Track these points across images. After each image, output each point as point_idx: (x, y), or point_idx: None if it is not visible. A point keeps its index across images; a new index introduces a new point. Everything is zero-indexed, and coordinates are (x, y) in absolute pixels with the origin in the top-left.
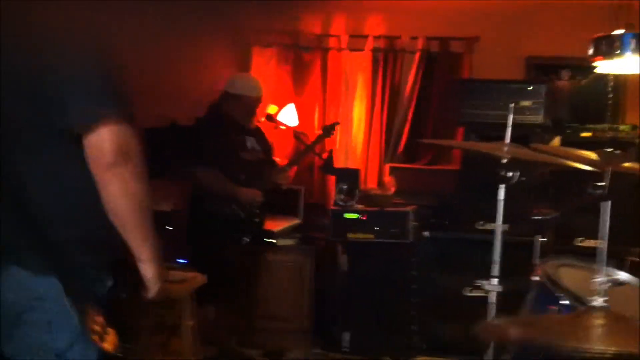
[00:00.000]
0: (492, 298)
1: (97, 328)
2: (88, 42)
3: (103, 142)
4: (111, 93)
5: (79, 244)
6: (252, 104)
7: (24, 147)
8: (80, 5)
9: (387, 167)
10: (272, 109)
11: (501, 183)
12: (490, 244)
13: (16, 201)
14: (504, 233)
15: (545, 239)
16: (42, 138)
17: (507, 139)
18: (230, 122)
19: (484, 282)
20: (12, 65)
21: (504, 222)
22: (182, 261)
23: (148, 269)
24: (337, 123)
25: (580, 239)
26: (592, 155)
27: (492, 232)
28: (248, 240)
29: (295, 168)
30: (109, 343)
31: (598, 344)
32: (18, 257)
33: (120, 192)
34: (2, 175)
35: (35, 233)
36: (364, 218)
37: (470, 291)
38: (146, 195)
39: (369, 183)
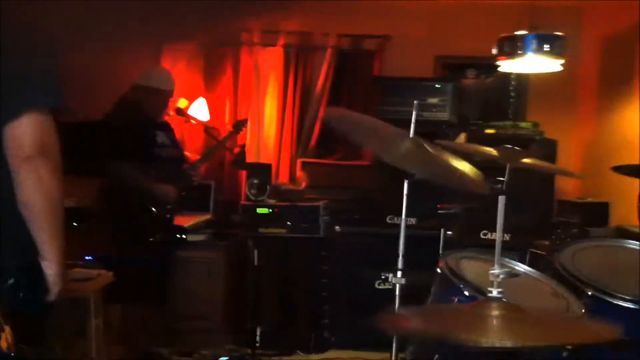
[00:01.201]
0: (398, 290)
1: None
2: (17, 34)
3: (23, 134)
4: (40, 85)
5: None
6: (166, 97)
7: None
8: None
9: (299, 162)
10: (182, 103)
11: (406, 178)
12: (398, 238)
13: None
14: (412, 227)
15: (451, 233)
16: None
17: (412, 134)
18: (142, 116)
19: (390, 275)
20: None
21: (413, 216)
22: (89, 258)
23: (52, 268)
24: (247, 120)
25: (485, 232)
26: (494, 151)
27: (400, 226)
28: (159, 236)
29: (206, 163)
30: (3, 341)
31: (493, 336)
32: None
33: (35, 185)
34: None
35: None
36: (275, 213)
37: (380, 284)
38: (61, 192)
39: (281, 178)
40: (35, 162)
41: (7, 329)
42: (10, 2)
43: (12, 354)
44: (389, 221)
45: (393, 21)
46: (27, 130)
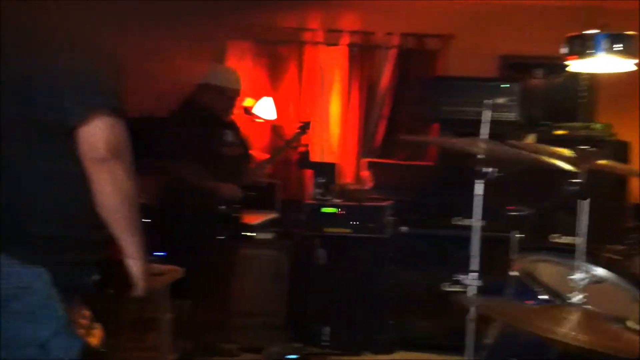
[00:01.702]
0: (472, 292)
1: (83, 322)
2: (81, 37)
3: (95, 136)
4: (104, 87)
5: (69, 237)
6: (233, 95)
7: (16, 142)
8: (68, 3)
9: (363, 162)
10: (248, 102)
11: (478, 179)
12: (466, 240)
13: (8, 194)
14: (481, 229)
15: (521, 235)
16: (35, 133)
17: (484, 135)
18: (209, 115)
19: (463, 276)
20: (3, 62)
21: (480, 217)
22: (159, 254)
23: (136, 265)
24: (310, 122)
25: (556, 235)
26: (568, 152)
27: (468, 228)
28: (225, 234)
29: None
30: (95, 337)
31: (570, 333)
32: (9, 246)
33: (110, 187)
34: (3, 164)
35: (27, 225)
36: (341, 212)
37: (449, 286)
38: (135, 191)
39: (346, 178)
40: (109, 163)
41: (98, 326)
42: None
43: (103, 350)
44: (456, 222)
45: (457, 20)
46: (99, 132)
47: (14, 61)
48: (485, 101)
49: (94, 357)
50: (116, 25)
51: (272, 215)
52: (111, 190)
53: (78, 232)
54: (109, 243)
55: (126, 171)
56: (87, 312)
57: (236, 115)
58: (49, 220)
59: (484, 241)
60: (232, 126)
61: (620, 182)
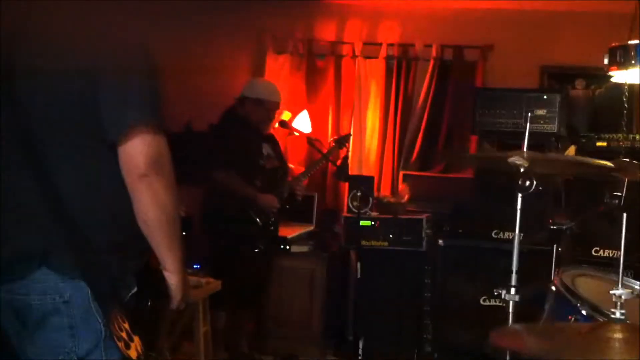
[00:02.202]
0: (511, 308)
1: (122, 335)
2: (124, 49)
3: (136, 152)
4: (146, 102)
5: (109, 249)
6: (272, 108)
7: (59, 152)
8: (109, 11)
9: (400, 174)
10: (286, 115)
11: (519, 192)
12: (505, 252)
13: (49, 204)
14: (520, 242)
15: (560, 249)
16: (77, 143)
17: (525, 147)
18: (247, 127)
19: (502, 291)
20: (51, 71)
21: (520, 231)
22: (196, 266)
23: (174, 278)
24: (350, 135)
25: (596, 248)
26: (609, 164)
27: (507, 241)
28: (263, 247)
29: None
30: (134, 351)
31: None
32: (47, 260)
33: (151, 201)
34: (37, 178)
35: (66, 237)
36: (377, 225)
37: (485, 300)
38: (176, 206)
39: (383, 190)
40: (149, 179)
41: (137, 338)
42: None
43: None
44: (495, 235)
45: (495, 30)
46: (139, 148)
47: (61, 69)
48: (527, 113)
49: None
50: (157, 38)
51: (309, 228)
52: (150, 205)
53: (118, 244)
54: (149, 255)
55: (166, 187)
56: (126, 324)
57: (274, 129)
58: (89, 232)
59: (524, 254)
60: (271, 139)
61: None
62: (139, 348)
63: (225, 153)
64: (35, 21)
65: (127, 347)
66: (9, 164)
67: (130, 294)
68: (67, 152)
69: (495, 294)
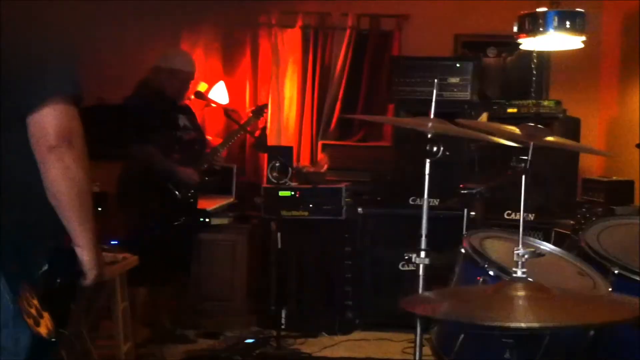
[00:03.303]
0: (421, 271)
1: (32, 311)
2: (36, 23)
3: (46, 122)
4: (57, 74)
5: (17, 226)
6: (186, 78)
7: None
8: None
9: (319, 144)
10: (202, 87)
11: (427, 157)
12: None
13: None
14: (435, 208)
15: (474, 213)
16: None
17: (432, 115)
18: (163, 99)
19: (413, 255)
20: None
21: (435, 197)
22: (114, 242)
23: (86, 254)
24: (267, 105)
25: (508, 212)
26: (517, 130)
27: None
28: (182, 220)
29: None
30: (44, 327)
31: (519, 317)
32: None
33: (61, 174)
34: None
35: None
36: (297, 195)
37: (404, 266)
38: (87, 179)
39: (302, 160)
40: (60, 151)
41: (46, 315)
42: None
43: (53, 340)
44: (412, 202)
45: (411, 0)
46: (50, 119)
47: None
48: (434, 81)
49: (43, 346)
50: (68, 11)
51: (229, 200)
52: (61, 178)
53: (27, 220)
54: (60, 232)
55: (77, 159)
56: (35, 301)
57: (190, 101)
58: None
59: (439, 220)
60: (187, 110)
61: (571, 158)
62: (49, 324)
63: (140, 126)
64: None
65: (37, 324)
66: None
67: (40, 272)
68: None
69: (406, 257)
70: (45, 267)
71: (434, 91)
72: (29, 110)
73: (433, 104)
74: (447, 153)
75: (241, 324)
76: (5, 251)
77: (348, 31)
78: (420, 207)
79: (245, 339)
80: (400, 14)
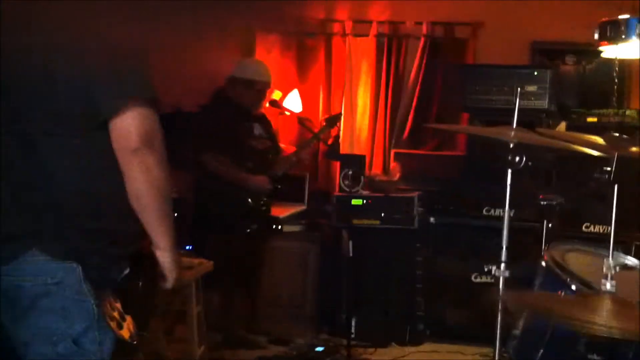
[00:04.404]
0: (501, 284)
1: (115, 315)
2: (113, 31)
3: (129, 126)
4: (136, 79)
5: (101, 232)
6: (261, 88)
7: (50, 136)
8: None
9: (392, 153)
10: (276, 95)
11: (508, 168)
12: (496, 230)
13: (42, 189)
14: (511, 218)
15: (551, 224)
16: (68, 127)
17: (514, 124)
18: (238, 108)
19: (493, 267)
20: (41, 59)
21: (510, 207)
22: (188, 248)
23: (166, 256)
24: (340, 114)
25: (587, 224)
26: (599, 140)
27: (498, 218)
28: (255, 228)
29: (304, 155)
30: (126, 330)
31: (604, 324)
32: (39, 242)
33: (143, 176)
34: (28, 163)
35: (58, 220)
36: (369, 203)
37: (477, 277)
38: (167, 182)
39: (374, 169)
40: (142, 153)
41: (129, 318)
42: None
43: (134, 343)
44: (486, 212)
45: (486, 7)
46: (132, 122)
47: (41, 58)
48: (517, 88)
49: (125, 349)
50: (145, 19)
51: (300, 208)
52: (143, 180)
53: (110, 225)
54: (140, 237)
55: (158, 162)
56: (118, 305)
57: (265, 108)
58: (81, 214)
59: (515, 231)
60: (261, 119)
61: None
62: (131, 328)
63: (214, 135)
64: (35, 18)
65: (120, 327)
66: (3, 152)
67: (122, 275)
68: (59, 139)
69: (486, 270)
70: (127, 272)
71: (516, 100)
72: (111, 114)
73: (516, 112)
74: (530, 163)
75: (311, 331)
76: (88, 258)
77: (422, 39)
78: (494, 217)
79: (316, 347)
80: (475, 22)
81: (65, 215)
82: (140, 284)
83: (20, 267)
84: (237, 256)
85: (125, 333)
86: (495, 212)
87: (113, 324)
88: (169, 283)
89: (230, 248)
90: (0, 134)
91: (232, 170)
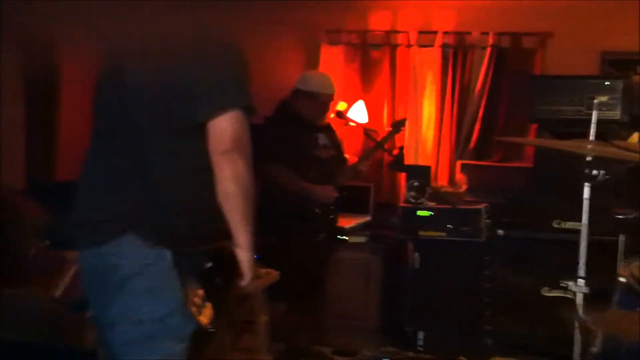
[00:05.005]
0: (579, 299)
1: (197, 300)
2: (217, 42)
3: (223, 129)
4: (238, 86)
5: (190, 224)
6: (325, 101)
7: (154, 135)
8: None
9: (458, 164)
10: (341, 106)
11: (587, 181)
12: (566, 243)
13: (141, 179)
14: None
15: (626, 239)
16: (170, 128)
17: (591, 136)
18: (302, 120)
19: (570, 282)
20: (149, 65)
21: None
22: (255, 257)
23: (245, 255)
24: (405, 119)
25: None
26: None
27: (568, 231)
28: (321, 237)
29: (368, 164)
30: (205, 317)
31: None
32: (137, 228)
33: (232, 176)
34: (132, 157)
35: (153, 208)
36: (435, 215)
37: (550, 291)
38: (252, 185)
39: (440, 180)
40: (233, 155)
41: (208, 305)
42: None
43: (211, 330)
44: (556, 226)
45: (554, 17)
46: (227, 126)
47: (156, 64)
48: (592, 100)
49: (203, 335)
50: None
51: (365, 219)
52: (231, 180)
53: (199, 220)
54: (223, 236)
55: (246, 165)
56: (200, 292)
57: (331, 119)
58: (175, 207)
59: (588, 245)
60: (326, 129)
61: None
62: (209, 315)
63: (278, 147)
64: (136, 23)
65: (199, 313)
66: (108, 143)
67: (205, 268)
68: (160, 136)
69: (562, 285)
70: (209, 265)
71: (592, 111)
72: (208, 116)
73: (593, 125)
74: (608, 177)
75: (376, 343)
76: (178, 247)
77: (489, 50)
78: (565, 231)
79: (381, 359)
80: (543, 32)
81: (162, 207)
82: (218, 279)
83: (116, 249)
84: (304, 266)
85: (203, 319)
86: (566, 225)
87: (194, 309)
88: (245, 281)
89: (297, 258)
90: (114, 128)
91: (296, 182)
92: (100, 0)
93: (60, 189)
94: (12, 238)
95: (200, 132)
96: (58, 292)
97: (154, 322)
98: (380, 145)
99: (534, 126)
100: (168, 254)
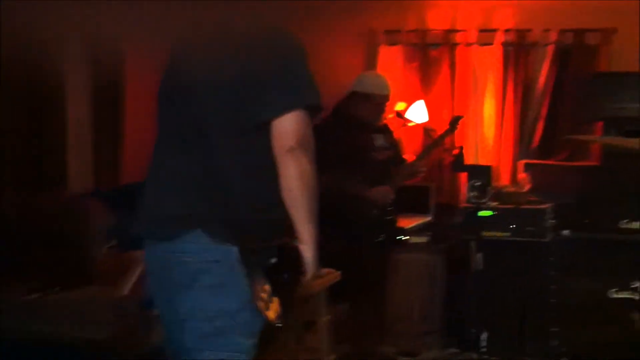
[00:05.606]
0: None
1: (264, 296)
2: (280, 39)
3: (288, 127)
4: (304, 85)
5: (257, 221)
6: (381, 102)
7: (220, 133)
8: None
9: (520, 163)
10: (400, 106)
11: None
12: (634, 244)
13: (210, 177)
14: None
15: None
16: (236, 126)
17: None
18: (358, 122)
19: (639, 284)
20: (215, 66)
21: None
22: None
23: (308, 251)
24: (461, 117)
25: None
26: None
27: (636, 232)
28: (381, 238)
29: (425, 163)
30: (272, 311)
31: None
32: (205, 224)
33: (296, 173)
34: (201, 155)
35: (222, 206)
36: (498, 215)
37: (618, 293)
38: (316, 182)
39: (502, 180)
40: (297, 153)
41: (276, 300)
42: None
43: (279, 325)
44: (624, 226)
45: (618, 13)
46: (292, 124)
47: (224, 65)
48: None
49: (270, 330)
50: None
51: (426, 219)
52: (295, 177)
53: (265, 217)
54: (284, 233)
55: (310, 162)
56: (267, 287)
57: (389, 120)
58: (242, 205)
59: None
60: (383, 130)
61: None
62: (277, 309)
63: (335, 149)
64: (201, 24)
65: (267, 308)
66: (174, 142)
67: (270, 263)
68: (226, 134)
69: (632, 286)
70: (274, 261)
71: None
72: (274, 115)
73: None
74: None
75: (439, 345)
76: (245, 243)
77: (551, 47)
78: (633, 231)
79: None
80: (607, 28)
81: (229, 204)
82: (286, 274)
83: (186, 244)
84: (365, 267)
85: (271, 314)
86: (634, 224)
87: (261, 304)
88: (309, 276)
89: (358, 258)
90: (180, 127)
91: (352, 185)
92: (165, 0)
93: (127, 190)
94: (81, 240)
95: (264, 130)
96: (125, 291)
97: (224, 317)
98: (437, 144)
99: (600, 124)
100: (235, 250)
